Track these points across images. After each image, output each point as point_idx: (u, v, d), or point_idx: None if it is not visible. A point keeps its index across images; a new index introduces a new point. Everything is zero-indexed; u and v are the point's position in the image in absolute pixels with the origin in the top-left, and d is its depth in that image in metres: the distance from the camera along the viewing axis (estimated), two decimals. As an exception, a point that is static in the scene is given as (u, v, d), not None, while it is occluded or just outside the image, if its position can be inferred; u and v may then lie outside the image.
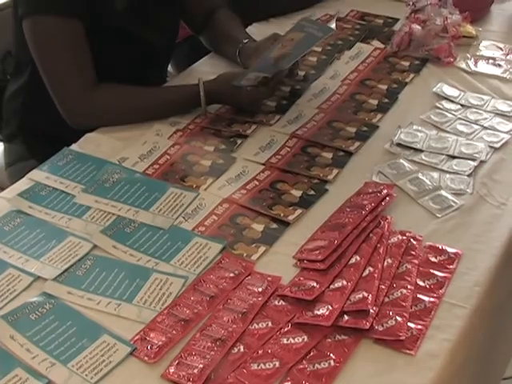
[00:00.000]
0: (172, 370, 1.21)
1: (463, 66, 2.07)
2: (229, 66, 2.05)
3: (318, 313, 1.28)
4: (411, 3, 2.22)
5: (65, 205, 1.61)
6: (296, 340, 1.25)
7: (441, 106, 1.89)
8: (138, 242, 1.49)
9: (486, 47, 2.17)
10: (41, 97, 1.88)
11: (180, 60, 2.44)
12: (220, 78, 1.86)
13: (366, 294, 1.31)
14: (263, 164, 1.68)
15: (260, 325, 1.28)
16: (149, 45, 1.96)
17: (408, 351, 1.23)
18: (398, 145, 1.74)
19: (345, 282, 1.34)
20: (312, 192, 1.59)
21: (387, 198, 1.54)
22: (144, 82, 1.92)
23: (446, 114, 1.86)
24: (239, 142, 1.76)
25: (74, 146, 1.79)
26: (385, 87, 1.97)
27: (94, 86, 1.83)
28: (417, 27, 2.12)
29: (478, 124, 1.83)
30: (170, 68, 2.37)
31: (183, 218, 1.54)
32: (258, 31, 2.20)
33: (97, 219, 1.56)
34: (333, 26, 1.80)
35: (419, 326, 1.27)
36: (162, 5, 1.98)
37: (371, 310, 1.27)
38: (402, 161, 1.68)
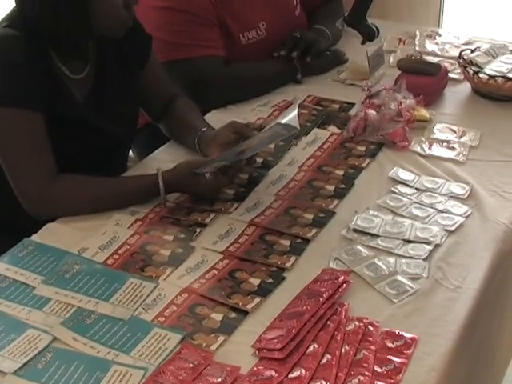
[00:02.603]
0: None
1: (418, 149, 2.15)
2: (188, 154, 2.11)
3: (277, 403, 1.32)
4: (366, 88, 2.30)
5: (25, 296, 1.64)
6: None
7: (396, 191, 1.96)
8: (98, 333, 1.52)
9: (439, 130, 2.24)
10: (1, 187, 1.92)
11: (141, 146, 2.49)
12: (178, 167, 1.92)
13: (324, 383, 1.35)
14: (222, 253, 1.73)
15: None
16: (108, 134, 2.01)
17: None
18: (355, 230, 1.80)
19: (303, 371, 1.38)
20: (270, 280, 1.64)
21: (344, 285, 1.59)
22: (104, 169, 1.98)
23: (402, 198, 1.93)
24: (198, 230, 1.81)
25: (34, 237, 1.83)
26: (341, 173, 2.03)
27: (53, 177, 1.88)
28: (372, 112, 2.19)
29: (432, 207, 1.89)
30: (131, 153, 2.42)
31: (143, 308, 1.58)
32: (216, 118, 2.26)
33: (57, 311, 1.59)
34: (296, 119, 1.85)
35: (376, 413, 1.31)
36: (121, 95, 2.05)
37: (329, 399, 1.31)
38: (358, 246, 1.74)
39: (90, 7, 1.85)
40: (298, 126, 1.83)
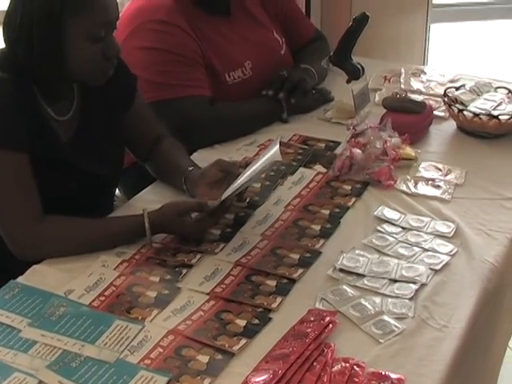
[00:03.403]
0: None
1: (403, 188, 2.17)
2: (175, 194, 2.13)
3: None
4: (352, 127, 2.33)
5: (11, 339, 1.64)
6: None
7: (382, 230, 1.97)
8: (84, 376, 1.53)
9: (425, 168, 2.27)
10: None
11: (128, 185, 2.50)
12: (165, 207, 1.93)
13: (310, 424, 1.35)
14: (208, 294, 1.74)
15: None
16: (94, 175, 2.03)
17: None
18: (341, 270, 1.81)
19: (289, 413, 1.39)
20: (256, 321, 1.65)
21: (330, 325, 1.60)
22: (90, 209, 1.99)
23: (388, 237, 1.94)
24: (184, 271, 1.82)
25: (20, 279, 1.83)
26: (327, 212, 2.05)
27: (39, 218, 1.89)
28: (357, 151, 2.21)
29: (418, 246, 1.91)
30: (117, 192, 2.43)
31: (129, 351, 1.58)
32: (202, 158, 2.28)
33: (42, 354, 1.59)
34: (277, 152, 1.89)
35: None
36: (106, 136, 2.07)
37: None
38: (344, 287, 1.75)
39: (64, 50, 1.87)
40: (280, 158, 1.87)
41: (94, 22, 1.87)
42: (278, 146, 1.91)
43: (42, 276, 1.84)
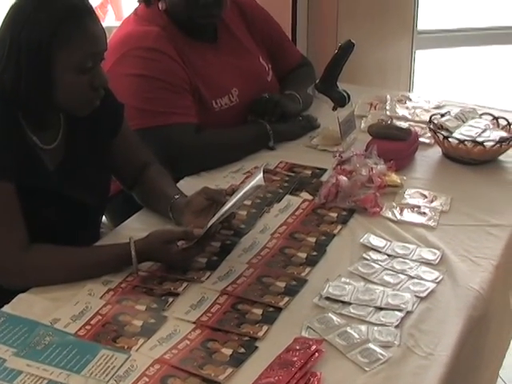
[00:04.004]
0: None
1: (389, 215, 2.18)
2: (161, 222, 2.14)
3: None
4: (338, 154, 2.35)
5: (-5, 369, 1.64)
6: None
7: (368, 257, 1.98)
8: (70, 406, 1.53)
9: (410, 195, 2.29)
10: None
11: (115, 212, 2.51)
12: (151, 236, 1.94)
13: None
14: (194, 323, 1.74)
15: None
16: (80, 203, 2.04)
17: None
18: (327, 298, 1.82)
19: None
20: (242, 350, 1.65)
21: (316, 354, 1.61)
22: (76, 237, 2.01)
23: (373, 264, 1.95)
24: (170, 300, 1.83)
25: (6, 308, 1.83)
26: (313, 240, 2.06)
27: (25, 247, 1.90)
28: (343, 178, 2.23)
29: (404, 274, 1.92)
30: (104, 219, 2.44)
31: (115, 380, 1.59)
32: (189, 185, 2.29)
33: (28, 384, 1.60)
34: (261, 178, 1.92)
35: None
36: (93, 164, 2.08)
37: None
38: (330, 315, 1.76)
39: (52, 81, 1.88)
40: (263, 183, 1.90)
41: (83, 54, 1.88)
42: (261, 172, 1.94)
43: (27, 305, 1.84)
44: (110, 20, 4.68)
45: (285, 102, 2.64)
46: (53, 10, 1.85)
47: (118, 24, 2.70)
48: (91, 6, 1.92)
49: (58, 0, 1.87)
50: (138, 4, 2.61)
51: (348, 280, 1.89)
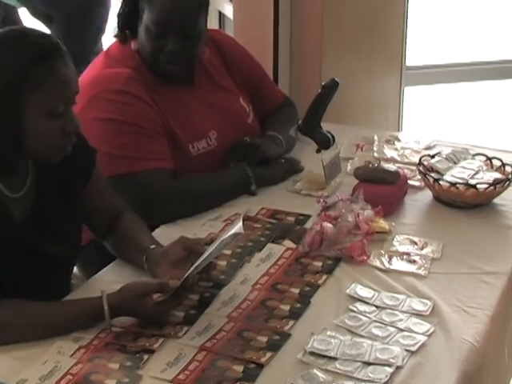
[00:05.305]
0: None
1: (377, 263, 2.21)
2: (136, 274, 2.16)
3: None
4: (322, 200, 2.38)
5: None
6: None
7: (355, 309, 2.00)
8: None
9: (399, 242, 2.31)
10: None
11: (86, 263, 2.52)
12: (124, 289, 1.95)
13: None
14: (171, 381, 1.76)
15: None
16: (49, 255, 2.05)
17: None
18: (311, 353, 1.83)
19: None
20: (221, 410, 1.67)
21: (301, 413, 1.62)
22: (45, 291, 2.01)
23: (361, 316, 1.97)
24: (146, 357, 1.84)
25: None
26: (297, 291, 2.08)
27: None
28: (328, 225, 2.25)
29: (393, 326, 1.94)
30: (75, 270, 2.44)
31: None
32: (165, 234, 2.32)
33: None
34: (240, 225, 1.95)
35: None
36: (63, 213, 2.10)
37: None
38: (315, 371, 1.77)
39: (21, 126, 1.90)
40: (242, 231, 1.93)
41: (54, 98, 1.91)
42: (241, 220, 1.97)
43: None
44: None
45: (267, 145, 2.67)
46: (23, 52, 1.88)
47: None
48: (63, 47, 1.95)
49: (28, 42, 1.90)
50: (112, 41, 2.65)
51: (334, 333, 1.90)
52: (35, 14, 4.38)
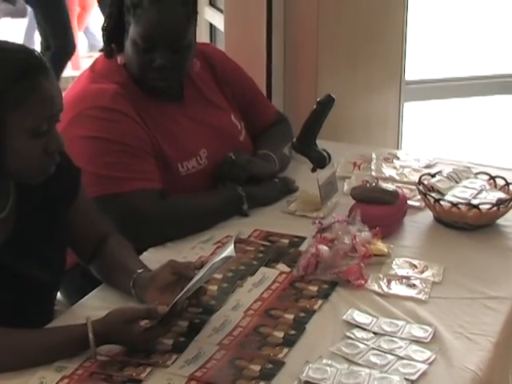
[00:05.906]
0: None
1: (375, 287, 2.20)
2: (122, 300, 2.14)
3: None
4: (317, 221, 2.37)
5: None
6: None
7: (352, 336, 1.99)
8: None
9: (398, 265, 2.30)
10: None
11: (71, 288, 2.51)
12: (110, 315, 1.94)
13: None
14: (159, 413, 1.75)
15: None
16: (31, 280, 2.04)
17: None
18: (306, 383, 1.82)
19: None
20: None
21: None
22: (27, 318, 2.01)
23: (358, 344, 1.96)
24: (132, 387, 1.83)
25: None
26: (291, 317, 2.07)
27: None
28: (324, 248, 2.25)
29: (392, 354, 1.92)
30: (59, 295, 2.43)
31: None
32: (153, 257, 2.31)
33: None
34: (231, 248, 1.94)
35: None
36: (46, 236, 2.09)
37: None
38: (310, 401, 1.77)
39: (2, 144, 1.89)
40: (234, 254, 1.92)
41: (37, 116, 1.90)
42: (232, 243, 1.97)
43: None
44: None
45: (254, 162, 2.67)
46: (5, 69, 1.88)
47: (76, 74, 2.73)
48: (46, 63, 1.94)
49: (10, 58, 1.89)
50: (97, 56, 2.64)
51: (330, 362, 1.89)
52: None
